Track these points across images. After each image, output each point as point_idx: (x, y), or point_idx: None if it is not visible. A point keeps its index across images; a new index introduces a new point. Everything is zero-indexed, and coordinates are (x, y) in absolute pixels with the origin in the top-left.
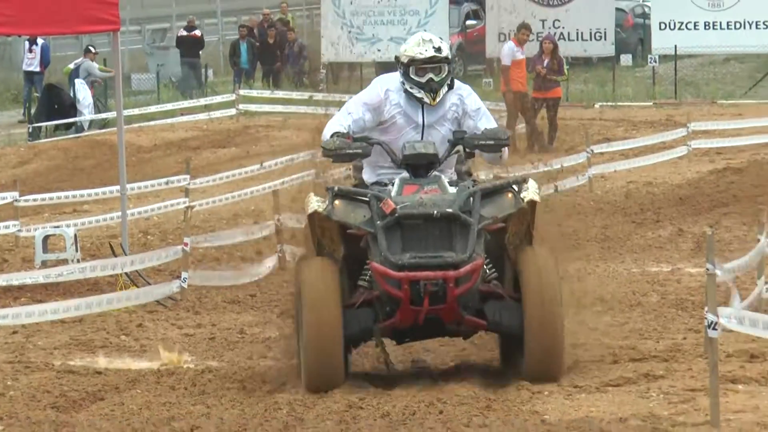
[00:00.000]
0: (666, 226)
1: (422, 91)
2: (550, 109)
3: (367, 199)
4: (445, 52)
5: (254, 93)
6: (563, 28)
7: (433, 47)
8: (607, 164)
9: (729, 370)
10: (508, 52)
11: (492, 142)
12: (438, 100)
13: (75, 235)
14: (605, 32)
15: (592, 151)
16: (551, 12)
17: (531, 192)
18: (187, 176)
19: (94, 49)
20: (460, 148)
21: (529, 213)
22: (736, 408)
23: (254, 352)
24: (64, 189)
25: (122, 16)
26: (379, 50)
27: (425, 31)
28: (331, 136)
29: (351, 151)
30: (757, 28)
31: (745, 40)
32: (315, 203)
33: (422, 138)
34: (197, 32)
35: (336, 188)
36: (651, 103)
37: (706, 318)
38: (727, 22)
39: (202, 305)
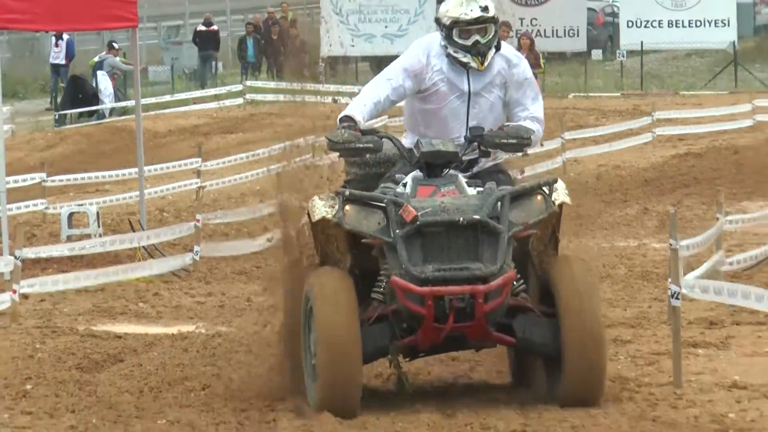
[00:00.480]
0: (633, 206)
1: (468, 55)
2: None
3: (382, 204)
4: (492, 11)
5: (259, 84)
6: (540, 25)
7: (480, 6)
8: (579, 149)
9: (690, 335)
10: None
11: (514, 141)
12: (486, 64)
13: (97, 212)
14: (578, 29)
15: (565, 137)
16: (529, 11)
17: (561, 193)
18: (199, 159)
19: (117, 44)
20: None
21: (557, 216)
22: (697, 370)
23: (260, 318)
24: (88, 171)
25: (140, 14)
26: (371, 45)
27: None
28: (342, 120)
29: (361, 146)
30: (715, 26)
31: (705, 36)
32: (322, 209)
33: (468, 107)
34: (215, 27)
35: (347, 192)
36: (619, 94)
37: (669, 288)
38: (689, 21)
39: (212, 276)
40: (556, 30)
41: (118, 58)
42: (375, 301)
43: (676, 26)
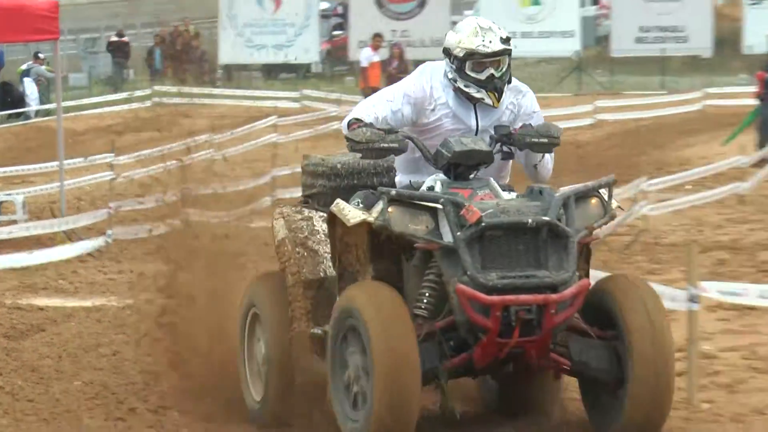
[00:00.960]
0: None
1: (483, 90)
2: None
3: (436, 204)
4: (511, 43)
5: (165, 88)
6: (410, 36)
7: (500, 38)
8: None
9: None
10: (365, 56)
11: (546, 140)
12: (501, 100)
13: (23, 201)
14: (442, 40)
15: None
16: (400, 24)
17: (614, 198)
18: (113, 154)
19: (42, 54)
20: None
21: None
22: None
23: (163, 293)
24: (16, 164)
25: (61, 27)
26: (261, 53)
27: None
28: (351, 124)
29: (386, 145)
30: (562, 37)
31: (553, 46)
32: (358, 213)
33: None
34: (126, 38)
35: (392, 191)
36: None
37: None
38: (539, 32)
39: (123, 256)
40: (424, 41)
41: (43, 67)
42: (419, 318)
43: (529, 37)
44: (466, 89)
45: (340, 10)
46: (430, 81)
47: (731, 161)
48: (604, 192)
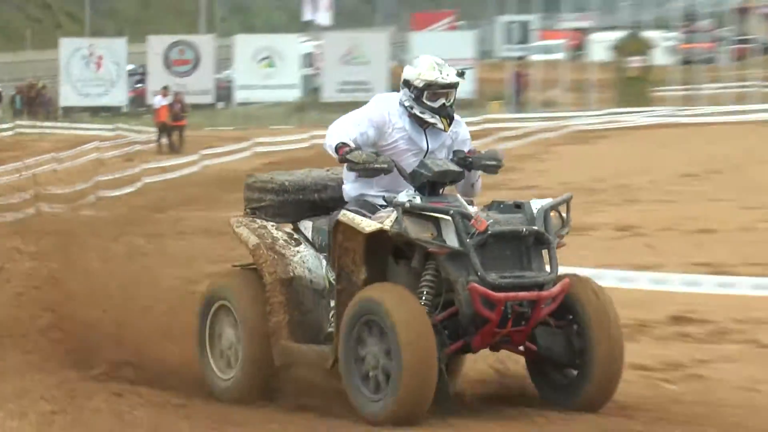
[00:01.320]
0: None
1: (437, 117)
2: (181, 130)
3: (444, 216)
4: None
5: (24, 122)
6: (187, 88)
7: (456, 72)
8: (213, 159)
9: None
10: (157, 101)
11: (495, 163)
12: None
13: None
14: (209, 90)
15: (202, 153)
16: (180, 79)
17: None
18: None
19: None
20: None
21: None
22: None
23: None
24: None
25: None
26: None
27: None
28: (340, 147)
29: (378, 166)
30: (290, 88)
31: (282, 94)
32: (373, 222)
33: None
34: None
35: (407, 203)
36: (233, 128)
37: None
38: (273, 84)
39: None
40: (196, 91)
41: None
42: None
43: (266, 88)
44: (422, 115)
45: (140, 70)
46: (387, 108)
47: None
48: (562, 207)
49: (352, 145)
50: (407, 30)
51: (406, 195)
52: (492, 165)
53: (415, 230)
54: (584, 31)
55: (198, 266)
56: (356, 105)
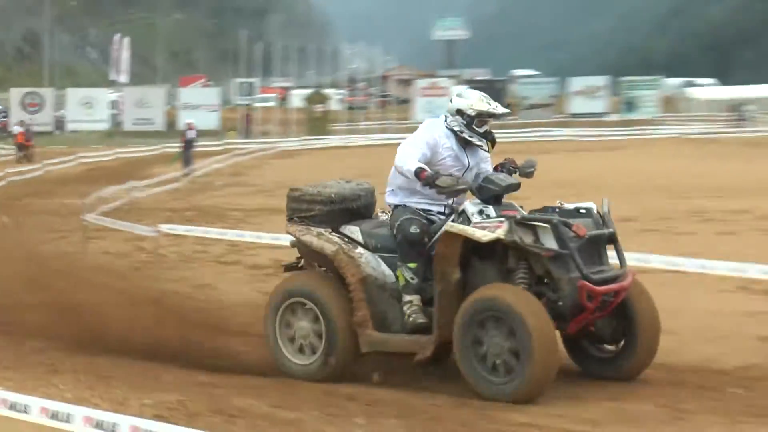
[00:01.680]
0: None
1: (483, 140)
2: (29, 149)
3: (544, 225)
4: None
5: None
6: (36, 121)
7: (501, 105)
8: (52, 167)
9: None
10: (16, 129)
11: (532, 170)
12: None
13: None
14: (50, 123)
15: (44, 163)
16: (31, 116)
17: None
18: None
19: None
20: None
21: None
22: None
23: None
24: None
25: None
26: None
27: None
28: (420, 172)
29: (460, 188)
30: (99, 122)
31: (97, 126)
32: (489, 233)
33: (462, 176)
34: None
35: (518, 216)
36: (65, 147)
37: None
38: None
39: None
40: (40, 124)
41: None
42: None
43: (86, 122)
44: (470, 138)
45: (4, 110)
46: (436, 132)
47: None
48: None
49: (429, 171)
50: (177, 86)
51: (474, 205)
52: (531, 171)
53: (524, 238)
54: (287, 89)
55: (41, 234)
56: (146, 134)
